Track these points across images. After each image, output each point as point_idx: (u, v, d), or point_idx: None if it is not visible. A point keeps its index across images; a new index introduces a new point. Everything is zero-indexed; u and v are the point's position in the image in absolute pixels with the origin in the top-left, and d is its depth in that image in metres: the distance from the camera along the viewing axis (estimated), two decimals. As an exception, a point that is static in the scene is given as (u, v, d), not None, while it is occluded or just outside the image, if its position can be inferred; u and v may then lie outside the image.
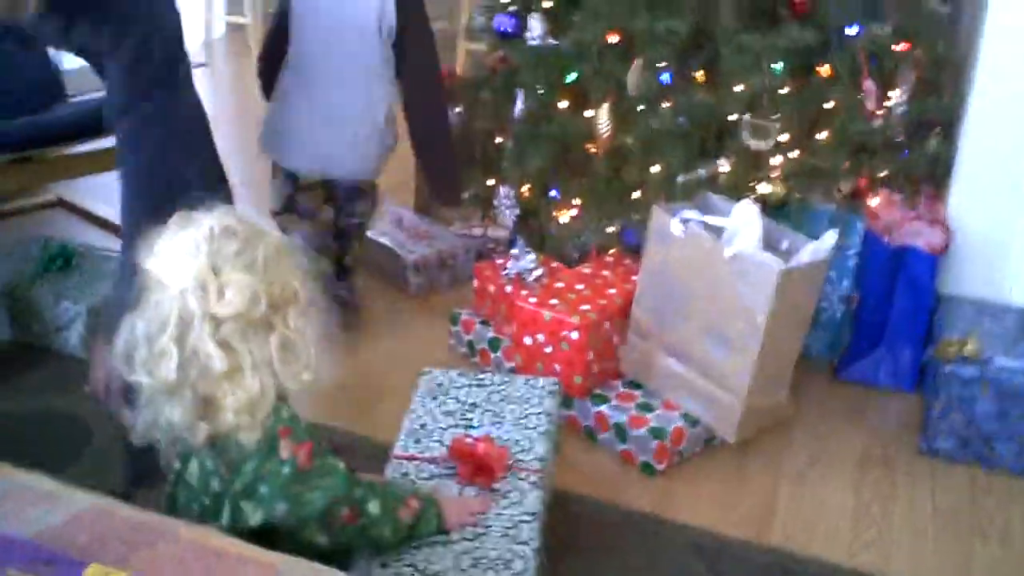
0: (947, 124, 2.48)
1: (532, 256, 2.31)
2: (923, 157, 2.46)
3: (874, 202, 2.40)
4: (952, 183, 2.40)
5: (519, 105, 2.59)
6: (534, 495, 1.53)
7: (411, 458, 1.60)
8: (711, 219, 2.03)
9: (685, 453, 2.05)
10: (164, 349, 1.15)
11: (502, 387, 1.82)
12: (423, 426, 1.69)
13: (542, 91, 2.53)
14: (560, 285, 2.21)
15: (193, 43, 5.67)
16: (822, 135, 2.38)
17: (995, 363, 2.07)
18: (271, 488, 1.20)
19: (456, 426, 1.69)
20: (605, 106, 2.42)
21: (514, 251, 2.35)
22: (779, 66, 2.30)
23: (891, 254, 2.33)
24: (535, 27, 2.55)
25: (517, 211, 2.59)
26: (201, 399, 1.17)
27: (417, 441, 1.65)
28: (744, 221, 1.98)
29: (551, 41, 2.55)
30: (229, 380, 1.16)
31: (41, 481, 0.94)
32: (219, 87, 5.08)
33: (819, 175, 2.35)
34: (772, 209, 2.27)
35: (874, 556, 1.84)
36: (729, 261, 1.92)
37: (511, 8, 2.66)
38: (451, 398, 1.78)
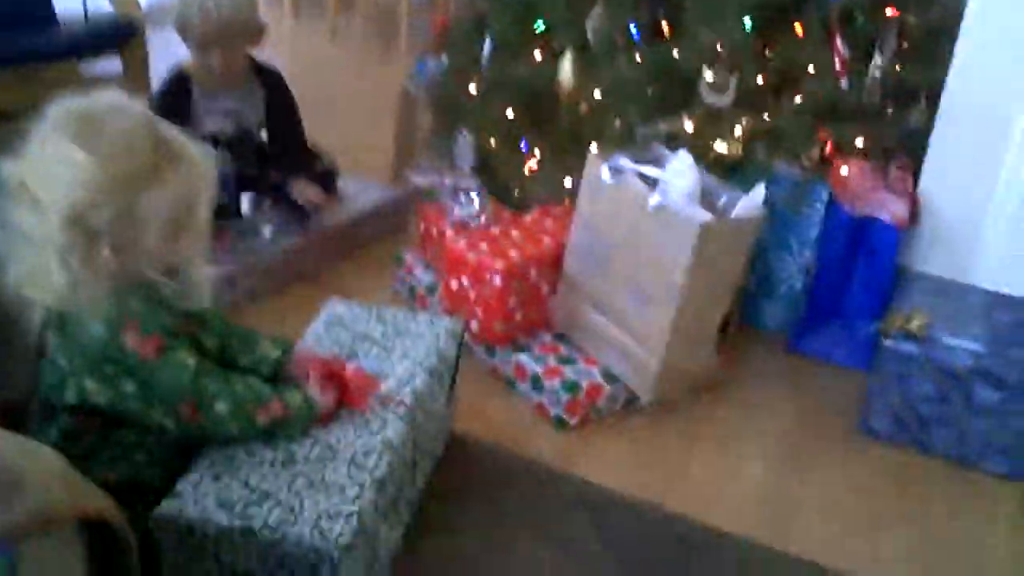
0: (934, 95, 2.35)
1: (478, 201, 2.26)
2: (900, 127, 2.35)
3: (843, 170, 2.29)
4: (927, 156, 2.28)
5: (487, 49, 2.53)
6: (397, 426, 1.48)
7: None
8: (645, 169, 1.94)
9: (603, 411, 1.98)
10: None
11: (403, 323, 1.77)
12: (306, 352, 1.65)
13: (509, 36, 2.47)
14: (496, 231, 2.15)
15: None
16: (794, 98, 2.27)
17: (940, 342, 1.95)
18: (117, 370, 1.20)
19: (338, 356, 1.65)
20: (568, 55, 2.35)
21: (461, 196, 2.29)
22: (747, 21, 2.20)
23: (854, 224, 2.22)
24: (505, -29, 2.50)
25: (472, 158, 2.53)
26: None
27: (294, 366, 1.61)
28: (678, 173, 1.90)
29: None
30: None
31: None
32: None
33: (783, 138, 2.24)
34: (728, 169, 2.19)
35: (773, 531, 1.72)
36: (653, 212, 1.84)
37: (486, -46, 2.60)
38: (345, 329, 1.74)
